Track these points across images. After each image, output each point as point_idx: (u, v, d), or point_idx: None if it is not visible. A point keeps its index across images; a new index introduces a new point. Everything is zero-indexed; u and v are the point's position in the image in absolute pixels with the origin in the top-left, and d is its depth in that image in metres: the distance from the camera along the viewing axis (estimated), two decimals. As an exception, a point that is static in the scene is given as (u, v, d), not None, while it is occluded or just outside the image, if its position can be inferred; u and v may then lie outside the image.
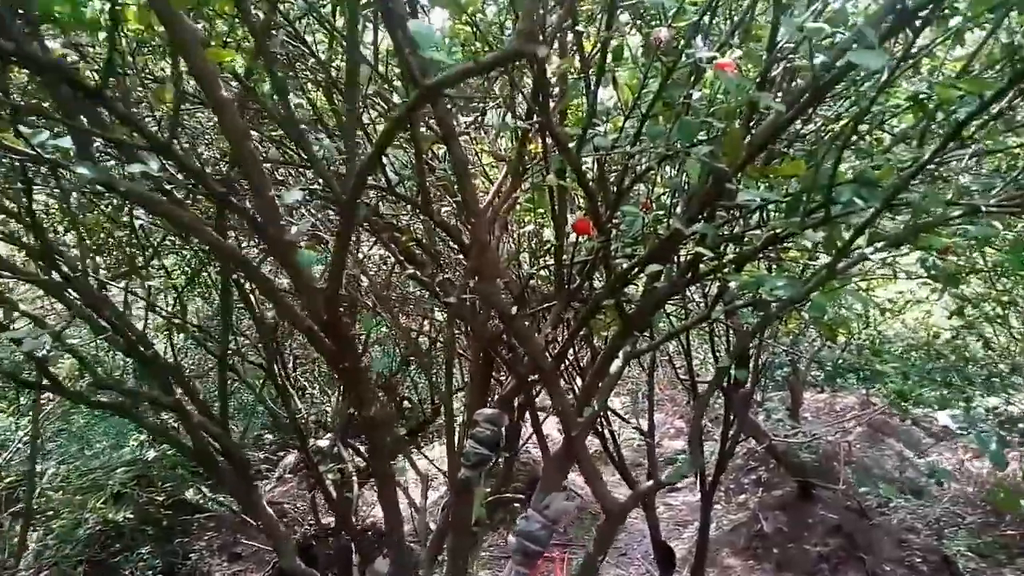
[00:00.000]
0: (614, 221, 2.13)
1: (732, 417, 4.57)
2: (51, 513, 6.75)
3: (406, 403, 7.39)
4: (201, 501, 8.17)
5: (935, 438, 8.25)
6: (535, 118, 1.93)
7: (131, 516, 7.04)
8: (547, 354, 2.43)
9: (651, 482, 2.33)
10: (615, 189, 2.09)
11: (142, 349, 2.32)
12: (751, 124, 1.84)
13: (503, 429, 2.86)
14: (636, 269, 2.10)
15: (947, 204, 1.65)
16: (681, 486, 8.67)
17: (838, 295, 2.14)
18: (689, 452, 2.17)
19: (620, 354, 2.66)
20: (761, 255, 2.35)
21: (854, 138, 2.06)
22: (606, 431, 5.10)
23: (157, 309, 2.94)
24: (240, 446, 2.53)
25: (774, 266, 3.22)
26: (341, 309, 2.32)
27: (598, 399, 2.59)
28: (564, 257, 2.73)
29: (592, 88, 1.87)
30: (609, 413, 5.24)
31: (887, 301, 5.33)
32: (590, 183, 1.94)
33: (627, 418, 5.72)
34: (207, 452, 2.41)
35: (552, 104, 1.86)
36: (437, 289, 2.59)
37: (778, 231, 1.89)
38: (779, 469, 7.64)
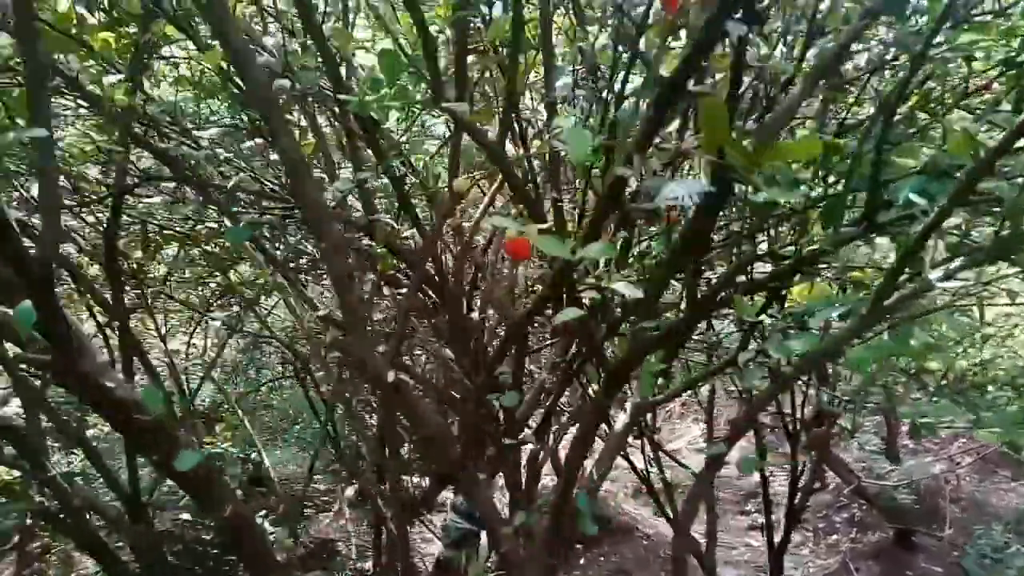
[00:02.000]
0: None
1: (803, 464, 3.84)
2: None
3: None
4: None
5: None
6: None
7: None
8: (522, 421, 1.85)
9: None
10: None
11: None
12: (738, 93, 1.23)
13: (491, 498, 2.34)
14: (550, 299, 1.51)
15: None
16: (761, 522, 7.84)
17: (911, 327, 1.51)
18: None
19: (627, 406, 2.08)
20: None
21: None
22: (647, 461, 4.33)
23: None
24: (145, 534, 2.06)
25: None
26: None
27: (599, 469, 2.00)
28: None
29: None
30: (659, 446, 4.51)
31: (986, 324, 4.48)
32: (529, 183, 1.38)
33: (682, 461, 5.01)
34: (93, 541, 1.95)
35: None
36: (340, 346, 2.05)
37: (803, 249, 1.28)
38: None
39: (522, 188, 1.35)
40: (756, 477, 9.19)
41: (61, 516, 2.05)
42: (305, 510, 8.11)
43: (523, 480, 2.55)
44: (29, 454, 1.96)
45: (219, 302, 4.34)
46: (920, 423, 2.68)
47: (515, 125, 2.25)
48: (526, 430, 2.49)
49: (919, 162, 1.32)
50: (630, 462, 4.50)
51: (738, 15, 1.01)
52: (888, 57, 1.89)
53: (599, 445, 2.72)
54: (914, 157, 1.39)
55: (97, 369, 1.67)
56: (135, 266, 2.87)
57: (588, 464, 2.17)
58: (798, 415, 3.85)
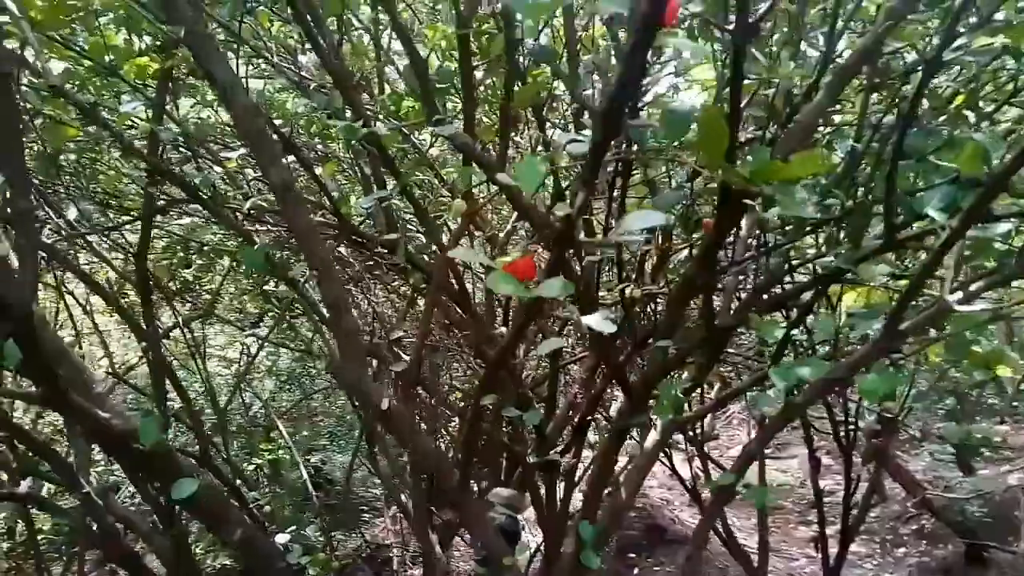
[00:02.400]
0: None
1: (857, 478, 3.66)
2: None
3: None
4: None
5: None
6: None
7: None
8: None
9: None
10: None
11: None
12: (738, 107, 1.16)
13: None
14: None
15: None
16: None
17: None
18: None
19: (658, 425, 2.02)
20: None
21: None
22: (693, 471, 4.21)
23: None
24: (177, 548, 2.08)
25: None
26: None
27: (627, 489, 1.94)
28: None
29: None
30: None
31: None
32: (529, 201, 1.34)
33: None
34: (127, 556, 1.99)
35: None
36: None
37: (820, 267, 1.21)
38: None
39: (527, 208, 1.32)
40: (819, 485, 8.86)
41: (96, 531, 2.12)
42: (363, 515, 8.19)
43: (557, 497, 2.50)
44: (61, 469, 2.02)
45: (272, 314, 4.45)
46: (977, 440, 2.53)
47: (543, 135, 2.21)
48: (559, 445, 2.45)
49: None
50: (677, 474, 4.39)
51: (733, 27, 0.96)
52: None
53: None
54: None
55: (92, 400, 1.71)
56: (176, 284, 2.95)
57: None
58: (851, 425, 3.67)
